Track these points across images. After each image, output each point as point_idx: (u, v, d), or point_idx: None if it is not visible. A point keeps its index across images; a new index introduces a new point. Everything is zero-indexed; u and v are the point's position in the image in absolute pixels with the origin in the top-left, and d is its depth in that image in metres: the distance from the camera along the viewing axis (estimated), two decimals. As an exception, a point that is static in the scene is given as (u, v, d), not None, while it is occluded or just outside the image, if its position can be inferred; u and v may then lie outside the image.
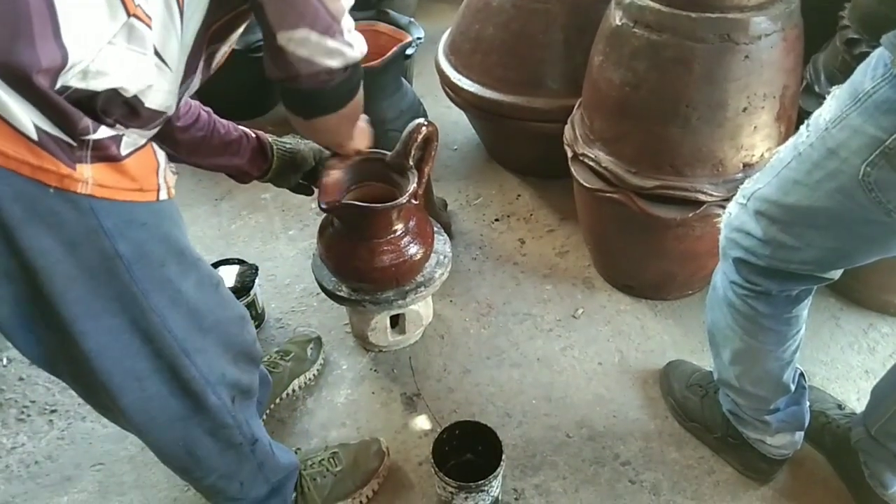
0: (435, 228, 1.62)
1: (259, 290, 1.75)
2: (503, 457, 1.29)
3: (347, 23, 0.99)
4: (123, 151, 0.85)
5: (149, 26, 0.82)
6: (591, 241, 1.89)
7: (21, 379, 1.68)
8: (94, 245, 0.85)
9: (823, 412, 1.46)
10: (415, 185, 1.43)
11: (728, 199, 1.45)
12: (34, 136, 0.75)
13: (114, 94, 0.81)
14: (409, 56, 1.95)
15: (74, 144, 0.79)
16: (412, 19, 2.21)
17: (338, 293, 1.54)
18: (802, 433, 1.38)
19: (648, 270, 1.75)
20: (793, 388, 1.31)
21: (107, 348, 0.92)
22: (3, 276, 0.82)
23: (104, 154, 0.82)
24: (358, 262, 1.46)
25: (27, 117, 0.75)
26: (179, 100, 0.97)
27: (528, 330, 1.77)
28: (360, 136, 1.40)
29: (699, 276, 1.74)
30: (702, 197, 1.50)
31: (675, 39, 1.42)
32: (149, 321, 0.93)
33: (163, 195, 0.92)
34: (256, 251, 1.99)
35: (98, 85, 0.78)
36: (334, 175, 1.42)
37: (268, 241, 2.05)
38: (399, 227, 1.47)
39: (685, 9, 1.41)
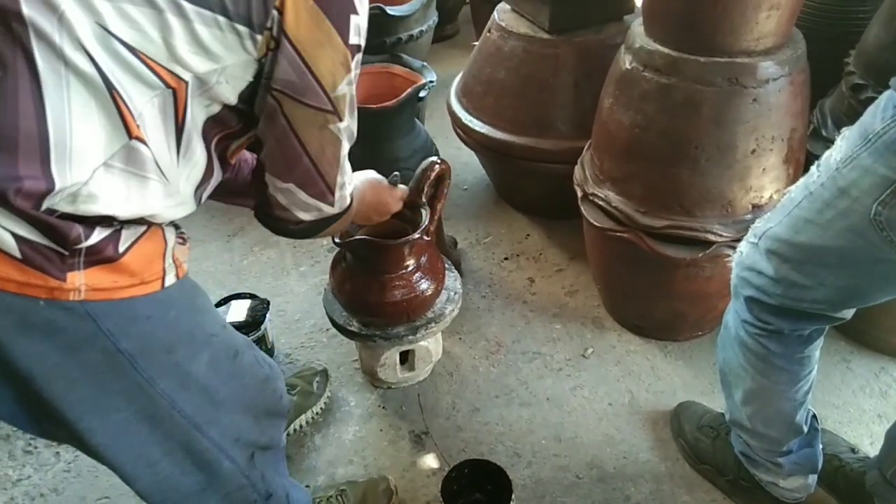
0: (446, 265, 1.63)
1: (269, 324, 1.76)
2: (513, 497, 1.27)
3: (341, 178, 0.98)
4: (122, 248, 0.80)
5: (149, 147, 0.78)
6: (601, 281, 1.89)
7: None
8: (94, 346, 0.80)
9: (837, 455, 1.44)
10: (427, 221, 1.45)
11: (737, 240, 1.46)
12: (17, 253, 0.71)
13: (106, 218, 0.77)
14: (422, 98, 1.99)
15: (66, 254, 0.74)
16: (425, 63, 2.26)
17: (348, 328, 1.55)
18: (816, 476, 1.36)
19: (658, 310, 1.76)
20: (805, 429, 1.30)
21: (116, 441, 0.88)
22: (0, 379, 0.79)
23: (98, 258, 0.77)
24: (370, 297, 1.47)
25: (8, 234, 0.70)
26: (200, 200, 0.93)
27: (538, 369, 1.76)
28: (375, 213, 1.38)
29: (709, 316, 1.74)
30: (711, 237, 1.51)
31: (685, 83, 1.45)
32: (157, 406, 0.89)
33: (169, 280, 0.86)
34: (267, 287, 2.01)
35: (88, 210, 0.74)
36: None
37: (279, 277, 2.06)
38: (411, 262, 1.48)
39: (694, 53, 1.44)
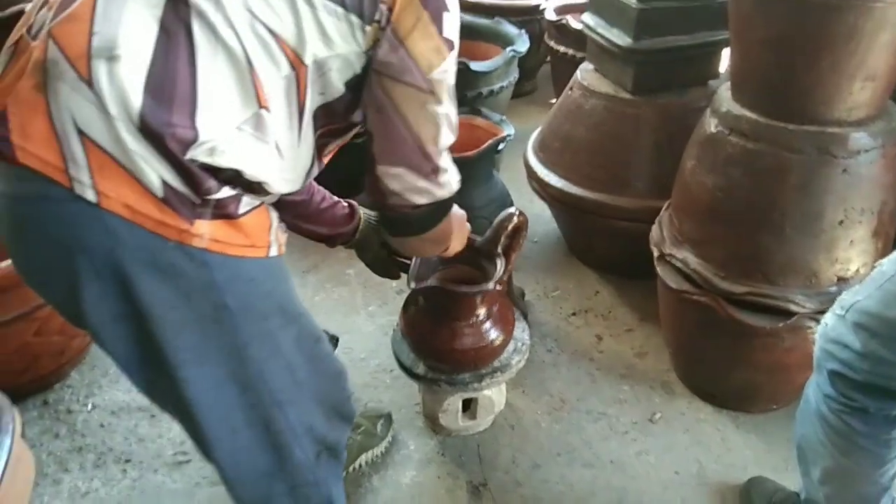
0: (516, 316, 1.63)
1: (336, 361, 1.78)
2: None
3: (445, 162, 1.04)
4: (241, 210, 0.90)
5: (274, 121, 0.89)
6: (673, 345, 1.85)
7: (102, 426, 1.73)
8: (205, 296, 0.89)
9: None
10: (502, 271, 1.45)
11: (820, 312, 1.42)
12: (160, 193, 0.82)
13: (235, 173, 0.87)
14: (500, 150, 2.02)
15: (198, 202, 0.85)
16: (503, 117, 2.30)
17: (414, 370, 1.55)
18: (897, 569, 1.27)
19: (732, 379, 1.70)
20: (889, 517, 1.23)
21: (207, 396, 0.95)
22: (120, 318, 0.88)
23: (223, 212, 0.88)
24: (438, 342, 1.48)
25: (156, 174, 0.81)
26: (303, 184, 1.03)
27: (603, 430, 1.72)
28: (458, 240, 1.41)
29: (786, 389, 1.67)
30: (793, 307, 1.47)
31: (772, 149, 1.44)
32: (248, 372, 0.96)
33: (273, 252, 0.97)
34: (337, 323, 2.04)
35: (222, 162, 0.85)
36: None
37: (348, 315, 2.10)
38: (482, 311, 1.49)
39: (783, 120, 1.43)
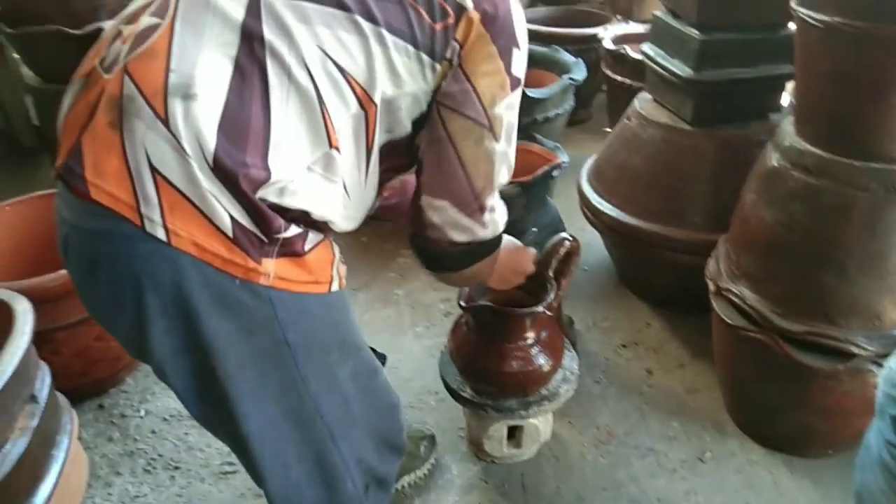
0: (565, 344, 1.61)
1: (382, 381, 1.79)
2: None
3: (493, 201, 1.03)
4: (307, 247, 0.91)
5: (344, 162, 0.90)
6: (727, 383, 1.80)
7: (153, 432, 1.77)
8: (267, 332, 0.90)
9: None
10: (553, 295, 1.45)
11: (883, 355, 1.37)
12: (230, 232, 0.83)
13: (303, 213, 0.88)
14: (554, 176, 2.02)
15: (266, 241, 0.86)
16: (558, 145, 2.30)
17: (461, 393, 1.55)
18: None
19: (787, 422, 1.64)
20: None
21: (263, 432, 0.96)
22: (183, 350, 0.89)
23: (290, 250, 0.89)
24: (487, 364, 1.48)
25: (226, 214, 0.82)
26: (360, 223, 1.04)
27: (650, 466, 1.68)
28: (515, 275, 1.40)
29: (844, 435, 1.61)
30: (854, 349, 1.42)
31: (836, 186, 1.40)
32: (304, 406, 0.97)
33: (335, 286, 0.97)
34: (384, 343, 2.04)
35: (291, 203, 0.86)
36: None
37: (395, 335, 2.11)
38: (531, 335, 1.48)
39: (848, 156, 1.40)
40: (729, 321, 1.56)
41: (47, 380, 1.38)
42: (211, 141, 0.80)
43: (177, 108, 0.80)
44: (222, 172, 0.81)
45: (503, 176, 1.02)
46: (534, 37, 3.15)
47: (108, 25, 0.98)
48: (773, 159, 1.52)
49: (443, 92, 0.94)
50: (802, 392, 1.53)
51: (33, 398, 1.32)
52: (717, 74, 1.85)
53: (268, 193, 0.83)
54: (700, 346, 1.99)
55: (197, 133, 0.80)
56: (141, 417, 1.82)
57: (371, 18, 0.88)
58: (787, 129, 1.53)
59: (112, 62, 0.87)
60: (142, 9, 0.91)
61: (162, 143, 0.80)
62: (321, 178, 0.88)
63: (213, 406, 0.94)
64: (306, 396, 0.97)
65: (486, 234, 1.05)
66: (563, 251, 1.49)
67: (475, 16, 0.93)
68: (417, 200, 1.02)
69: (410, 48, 0.90)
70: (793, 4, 1.42)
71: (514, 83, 0.97)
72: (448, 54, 0.93)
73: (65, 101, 0.94)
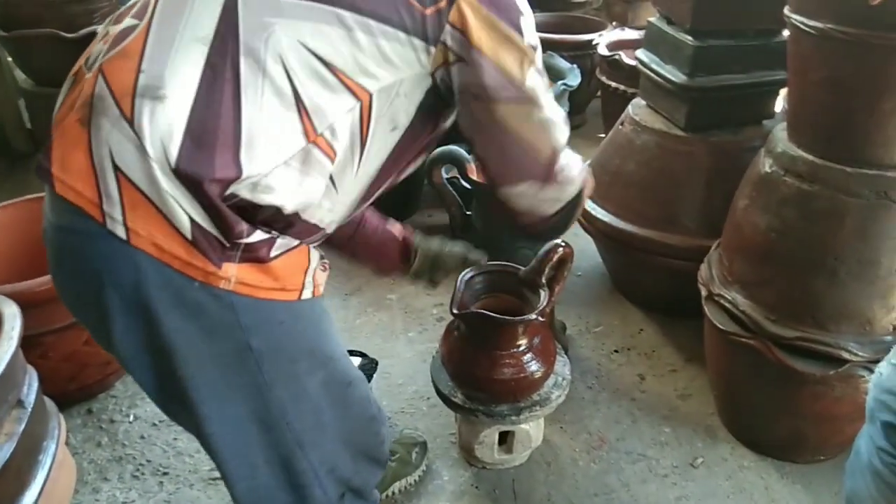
0: (557, 349, 1.61)
1: (374, 385, 1.78)
2: None
3: (564, 158, 1.03)
4: (273, 253, 0.90)
5: (328, 156, 0.89)
6: (718, 388, 1.80)
7: (142, 437, 1.76)
8: (229, 336, 0.90)
9: None
10: (545, 302, 1.44)
11: (874, 361, 1.37)
12: (189, 234, 0.83)
13: (274, 210, 0.88)
14: (548, 182, 2.02)
15: (227, 245, 0.85)
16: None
17: (452, 398, 1.54)
18: None
19: (778, 427, 1.64)
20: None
21: (227, 434, 0.96)
22: (146, 350, 0.90)
23: (253, 255, 0.88)
24: (478, 371, 1.47)
25: (186, 216, 0.82)
26: (350, 214, 1.04)
27: (642, 472, 1.67)
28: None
29: (834, 440, 1.61)
30: (845, 355, 1.42)
31: (828, 192, 1.40)
32: (270, 412, 0.96)
33: (306, 294, 0.95)
34: (376, 348, 2.04)
35: (263, 199, 0.85)
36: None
37: (388, 340, 2.10)
38: (524, 342, 1.48)
39: (840, 163, 1.40)
40: (721, 327, 1.56)
41: (34, 384, 1.36)
42: (176, 143, 0.81)
43: (144, 108, 0.81)
44: (184, 175, 0.81)
45: (562, 133, 1.01)
46: (528, 42, 3.16)
47: (102, 26, 1.00)
48: (766, 165, 1.52)
49: (473, 85, 0.93)
50: (794, 397, 1.53)
51: (20, 403, 1.31)
52: (711, 80, 1.85)
53: (240, 189, 0.83)
54: (693, 352, 1.99)
55: (161, 135, 0.80)
56: (130, 423, 1.80)
57: (355, 9, 0.87)
58: (780, 135, 1.53)
59: (93, 62, 0.88)
60: (127, 10, 0.92)
61: (125, 143, 0.81)
62: (298, 172, 0.87)
63: (178, 405, 0.95)
64: (271, 403, 0.96)
65: (572, 190, 1.06)
66: (556, 257, 1.48)
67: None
68: (497, 195, 1.02)
69: (401, 34, 0.89)
70: (786, 11, 1.42)
71: (532, 50, 0.95)
72: (443, 38, 0.90)
73: (58, 101, 0.95)
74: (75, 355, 1.70)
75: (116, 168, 0.81)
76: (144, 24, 0.86)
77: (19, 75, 2.94)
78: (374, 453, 1.16)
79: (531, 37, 0.95)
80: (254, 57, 0.83)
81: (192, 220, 0.82)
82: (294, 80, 0.85)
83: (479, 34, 0.90)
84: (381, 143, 0.97)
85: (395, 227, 1.41)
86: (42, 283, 1.57)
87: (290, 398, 0.98)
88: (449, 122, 1.07)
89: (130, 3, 0.95)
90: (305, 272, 0.96)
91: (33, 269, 1.62)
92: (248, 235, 0.86)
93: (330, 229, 1.01)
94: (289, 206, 0.88)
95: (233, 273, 0.86)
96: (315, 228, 0.97)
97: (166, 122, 0.81)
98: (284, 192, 0.87)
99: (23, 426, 1.27)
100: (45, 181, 0.84)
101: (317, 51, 0.86)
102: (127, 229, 0.82)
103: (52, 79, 2.70)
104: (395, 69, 0.90)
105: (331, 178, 0.92)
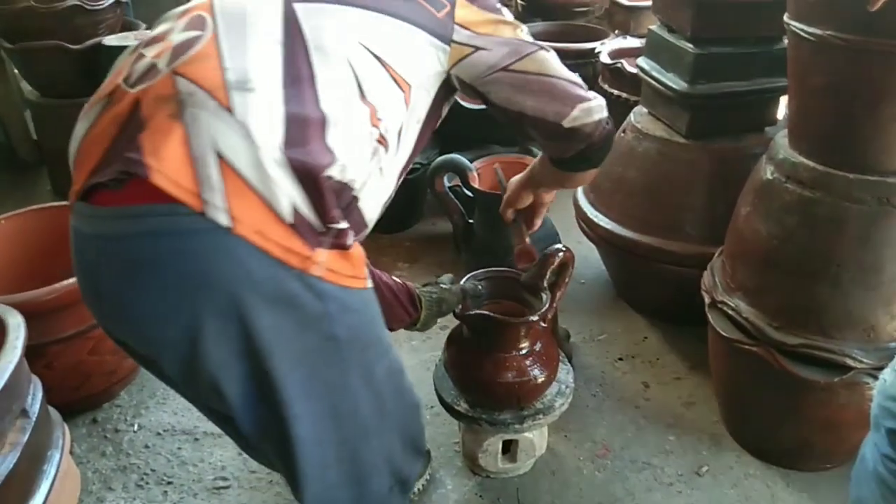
0: (560, 357, 1.61)
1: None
2: None
3: (578, 79, 1.14)
4: (350, 241, 0.94)
5: (383, 144, 0.97)
6: (723, 396, 1.79)
7: (147, 447, 1.76)
8: (317, 327, 0.92)
9: None
10: (547, 306, 1.44)
11: (878, 368, 1.36)
12: (289, 219, 0.85)
13: (352, 196, 0.94)
14: (550, 189, 2.02)
15: (322, 230, 0.88)
16: (555, 157, 2.31)
17: (455, 406, 1.54)
18: None
19: (784, 435, 1.63)
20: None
21: (311, 433, 0.97)
22: (239, 355, 0.89)
23: (339, 242, 0.92)
24: (481, 374, 1.47)
25: (288, 201, 0.84)
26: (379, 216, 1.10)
27: (647, 481, 1.67)
28: None
29: (840, 448, 1.60)
30: (850, 362, 1.41)
31: (830, 198, 1.40)
32: (345, 404, 0.99)
33: (369, 284, 1.00)
34: (379, 357, 2.04)
35: (347, 177, 0.92)
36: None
37: (391, 349, 2.10)
38: (526, 345, 1.48)
39: (841, 169, 1.40)
40: (725, 334, 1.56)
41: (39, 394, 1.37)
42: (278, 130, 0.84)
43: (240, 99, 0.84)
44: (291, 159, 0.84)
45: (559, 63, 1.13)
46: (531, 51, 3.17)
47: (121, 57, 1.01)
48: (768, 172, 1.52)
49: (496, 61, 1.06)
50: (799, 405, 1.53)
51: (24, 413, 1.31)
52: (712, 88, 1.86)
53: (334, 172, 0.88)
54: (697, 359, 1.98)
55: (264, 122, 0.84)
56: (134, 432, 1.81)
57: (395, 14, 1.01)
58: (781, 142, 1.54)
59: (141, 77, 0.89)
60: (164, 33, 0.95)
61: (229, 131, 0.83)
62: (368, 159, 0.96)
63: (267, 409, 0.94)
64: (347, 393, 0.99)
65: (598, 98, 1.13)
66: (557, 262, 1.49)
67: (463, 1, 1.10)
68: (561, 131, 1.09)
69: (429, 36, 1.04)
70: (786, 18, 1.43)
71: (517, 22, 1.13)
72: (455, 37, 1.06)
73: (79, 128, 0.94)
74: (80, 365, 1.71)
75: (220, 156, 0.82)
76: (211, 33, 0.91)
77: (25, 87, 2.96)
78: (419, 443, 1.19)
79: (509, 16, 1.14)
80: (322, 53, 0.92)
81: (293, 205, 0.85)
82: (357, 73, 0.94)
83: (479, 23, 1.08)
84: (411, 135, 1.07)
85: (396, 282, 1.44)
86: (47, 292, 1.58)
87: (362, 386, 1.01)
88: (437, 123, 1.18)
89: (161, 28, 0.97)
90: (365, 263, 1.01)
91: (38, 278, 1.63)
92: (339, 221, 0.90)
93: (369, 228, 1.06)
94: (358, 182, 0.94)
95: (323, 259, 0.89)
96: (362, 223, 1.02)
97: (265, 110, 0.85)
98: (359, 171, 0.94)
99: (27, 436, 1.28)
100: (138, 172, 0.81)
101: (371, 48, 0.96)
102: (231, 216, 0.82)
103: (58, 90, 2.74)
104: (423, 66, 1.04)
105: (380, 168, 0.99)
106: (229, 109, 0.83)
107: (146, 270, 0.85)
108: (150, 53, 0.92)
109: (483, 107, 1.15)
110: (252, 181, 0.83)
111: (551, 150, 1.19)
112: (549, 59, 1.10)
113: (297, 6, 0.94)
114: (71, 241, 0.94)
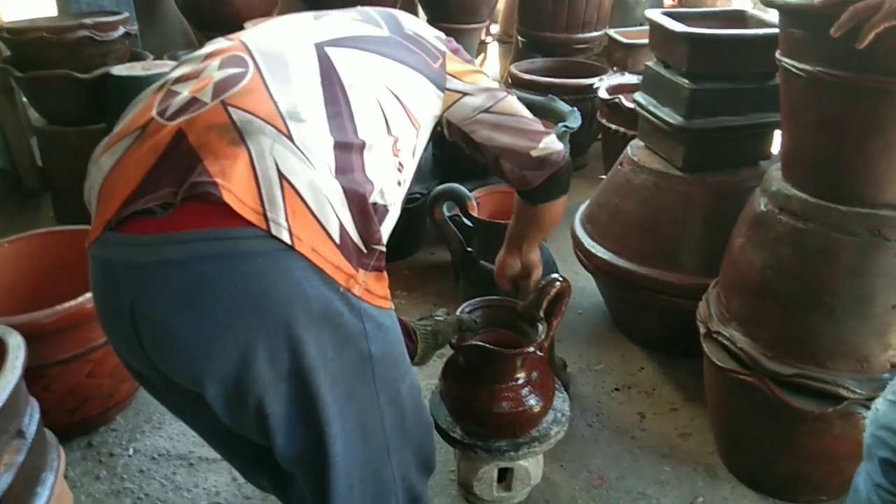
0: (556, 386, 1.61)
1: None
2: None
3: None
4: (383, 264, 0.99)
5: (401, 172, 1.08)
6: (718, 427, 1.79)
7: (141, 471, 1.76)
8: (356, 346, 0.96)
9: None
10: (543, 336, 1.45)
11: (872, 399, 1.37)
12: (338, 238, 0.90)
13: (386, 213, 1.03)
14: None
15: (365, 252, 0.94)
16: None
17: (451, 433, 1.54)
18: None
19: (779, 466, 1.63)
20: None
21: (345, 451, 0.98)
22: (286, 376, 0.91)
23: (378, 264, 0.97)
24: (477, 404, 1.47)
25: (337, 220, 0.90)
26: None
27: (642, 511, 1.66)
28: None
29: (835, 480, 1.60)
30: (843, 392, 1.42)
31: (822, 230, 1.43)
32: (373, 421, 1.02)
33: (392, 305, 1.04)
34: (376, 384, 2.04)
35: (388, 200, 1.02)
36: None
37: (388, 377, 2.10)
38: (522, 375, 1.48)
39: (834, 201, 1.42)
40: (719, 364, 1.57)
41: (36, 416, 1.37)
42: (330, 155, 0.92)
43: (295, 128, 0.91)
44: (343, 182, 0.91)
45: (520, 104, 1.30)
46: (532, 86, 3.24)
47: (142, 95, 1.04)
48: (762, 204, 1.54)
49: (479, 103, 1.22)
50: (793, 435, 1.53)
51: (21, 434, 1.31)
52: (707, 122, 1.89)
53: (376, 196, 0.98)
54: (693, 390, 1.99)
55: (318, 148, 0.91)
56: (129, 456, 1.80)
57: (406, 63, 1.13)
58: (775, 175, 1.56)
59: (180, 110, 0.93)
60: (194, 72, 0.99)
61: (289, 154, 0.89)
62: (395, 181, 1.05)
63: (307, 429, 0.95)
64: (375, 411, 1.01)
65: (552, 136, 1.29)
66: (553, 291, 1.50)
67: (449, 53, 1.24)
68: (531, 159, 1.25)
69: (430, 83, 1.15)
70: (778, 55, 1.47)
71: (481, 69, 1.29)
72: (447, 85, 1.19)
73: (105, 162, 0.94)
74: (78, 388, 1.71)
75: (282, 176, 0.87)
76: (253, 70, 0.98)
77: (32, 114, 3.00)
78: (431, 461, 1.20)
79: (476, 66, 1.29)
80: (355, 90, 1.01)
81: (340, 225, 0.90)
82: (384, 110, 1.04)
83: (464, 73, 1.22)
84: (411, 170, 1.13)
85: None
86: (48, 315, 1.59)
87: (388, 403, 1.04)
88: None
89: (191, 67, 1.02)
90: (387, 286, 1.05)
91: (38, 301, 1.65)
92: (380, 243, 0.96)
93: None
94: (390, 215, 1.05)
95: (364, 279, 0.94)
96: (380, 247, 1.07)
97: (318, 138, 0.92)
98: (393, 202, 1.04)
99: (22, 457, 1.27)
100: (211, 191, 0.83)
101: (392, 89, 1.07)
102: (291, 234, 0.86)
103: (65, 118, 2.78)
104: (428, 108, 1.15)
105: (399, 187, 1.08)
106: (288, 135, 0.90)
107: (205, 295, 0.85)
108: (184, 90, 0.96)
109: None
110: (309, 201, 0.88)
111: (522, 181, 1.30)
112: (516, 102, 1.27)
113: (329, 50, 1.04)
114: (94, 275, 0.94)
